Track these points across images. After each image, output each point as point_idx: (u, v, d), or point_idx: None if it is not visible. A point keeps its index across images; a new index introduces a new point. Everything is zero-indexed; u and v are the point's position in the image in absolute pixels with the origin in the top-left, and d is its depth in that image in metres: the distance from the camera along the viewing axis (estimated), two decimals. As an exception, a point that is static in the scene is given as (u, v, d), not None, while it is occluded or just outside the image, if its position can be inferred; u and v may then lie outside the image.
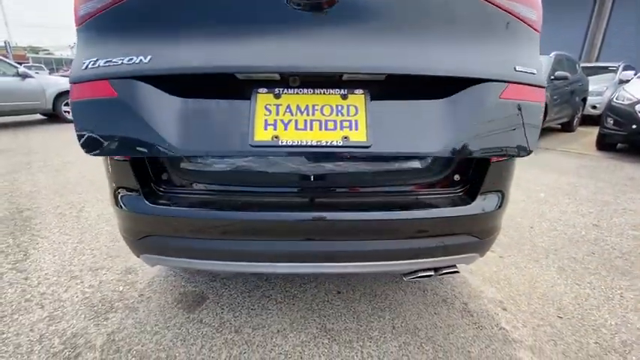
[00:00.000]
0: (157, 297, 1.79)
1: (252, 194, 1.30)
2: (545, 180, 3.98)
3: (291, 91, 1.10)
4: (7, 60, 7.52)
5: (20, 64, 8.81)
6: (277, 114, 1.07)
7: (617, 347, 1.50)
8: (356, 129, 1.06)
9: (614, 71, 8.84)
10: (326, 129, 1.06)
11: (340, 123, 1.07)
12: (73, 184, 3.59)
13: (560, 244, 2.43)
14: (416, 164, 1.42)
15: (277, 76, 1.09)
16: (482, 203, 1.26)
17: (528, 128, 1.10)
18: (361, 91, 1.10)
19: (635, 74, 7.15)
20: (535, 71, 1.09)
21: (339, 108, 1.09)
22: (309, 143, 1.04)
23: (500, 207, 1.31)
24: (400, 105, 1.10)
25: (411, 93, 1.12)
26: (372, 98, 1.10)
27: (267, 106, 1.08)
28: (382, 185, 1.31)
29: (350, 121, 1.07)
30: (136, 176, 1.23)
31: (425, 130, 1.07)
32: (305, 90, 1.11)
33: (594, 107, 8.09)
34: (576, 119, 7.50)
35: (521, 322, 1.65)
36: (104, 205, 3.01)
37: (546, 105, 5.88)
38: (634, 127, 4.87)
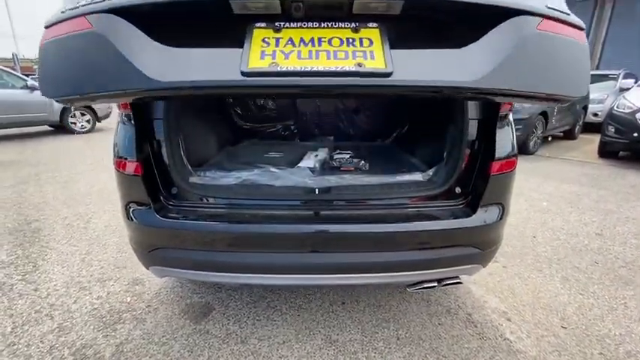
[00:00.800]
0: (164, 308, 1.82)
1: (258, 207, 1.34)
2: (548, 188, 3.99)
3: (293, 24, 0.95)
4: (16, 73, 7.70)
5: (27, 75, 8.99)
6: (277, 45, 0.92)
7: (622, 358, 1.51)
8: (372, 58, 0.90)
9: (615, 79, 8.89)
10: (335, 58, 0.89)
11: (353, 53, 0.91)
12: (81, 196, 3.64)
13: (563, 254, 2.44)
14: (418, 177, 1.46)
15: (277, 5, 0.91)
16: (484, 215, 1.29)
17: (570, 68, 0.97)
18: (375, 24, 0.95)
19: (635, 82, 7.19)
20: (569, 13, 0.98)
21: (351, 40, 0.93)
22: (314, 69, 0.87)
23: (501, 219, 1.34)
24: (425, 38, 0.96)
25: (437, 25, 0.99)
26: (390, 37, 0.94)
27: (266, 39, 0.93)
28: (385, 198, 1.35)
29: (364, 52, 0.91)
30: (147, 190, 1.27)
31: (456, 60, 0.92)
32: (309, 24, 0.95)
33: (595, 115, 8.11)
34: (578, 127, 7.53)
35: (525, 332, 1.66)
36: (111, 216, 3.05)
37: (547, 113, 5.93)
38: (635, 135, 4.89)
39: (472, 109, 1.33)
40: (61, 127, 8.05)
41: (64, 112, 7.80)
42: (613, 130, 5.21)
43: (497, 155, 1.27)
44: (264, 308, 1.81)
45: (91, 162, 5.18)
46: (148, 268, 1.42)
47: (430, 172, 1.46)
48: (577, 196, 3.75)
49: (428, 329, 1.67)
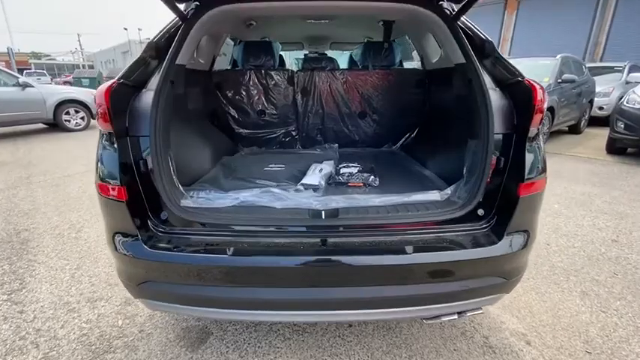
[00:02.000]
0: (158, 333, 1.69)
1: (257, 235, 1.19)
2: (558, 189, 3.86)
3: None
4: (7, 70, 7.47)
5: (22, 70, 8.76)
6: None
7: (655, 390, 1.39)
8: None
9: (621, 71, 8.68)
10: None
11: None
12: (73, 200, 3.50)
13: (580, 264, 2.32)
14: (435, 196, 1.32)
15: None
16: (511, 242, 1.16)
17: None
18: None
19: (643, 75, 6.97)
20: None
21: None
22: None
23: (528, 244, 1.20)
24: None
25: None
26: None
27: None
28: (400, 224, 1.20)
29: None
30: (132, 218, 1.13)
31: None
32: None
33: (601, 108, 7.93)
34: (583, 121, 7.36)
35: (547, 359, 1.53)
36: (103, 224, 2.91)
37: (553, 108, 5.76)
38: (646, 131, 4.73)
39: (499, 121, 1.19)
40: (55, 125, 7.86)
41: (58, 109, 7.61)
42: (622, 126, 5.04)
43: (527, 175, 1.13)
44: (265, 333, 1.68)
45: (85, 162, 5.02)
46: (136, 299, 1.29)
47: (448, 190, 1.32)
48: (589, 197, 3.62)
49: (443, 356, 1.54)
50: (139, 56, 1.26)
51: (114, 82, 1.14)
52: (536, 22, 13.82)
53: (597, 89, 7.67)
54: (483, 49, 1.30)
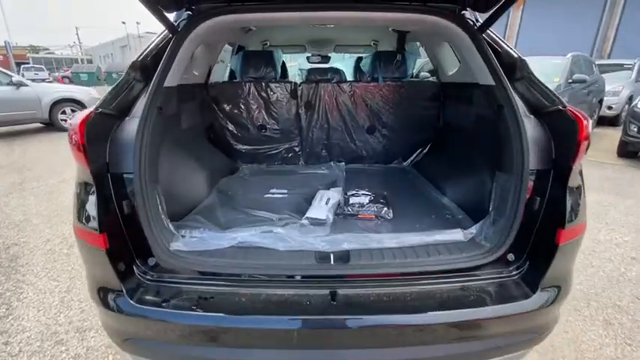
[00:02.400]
0: (152, 371, 1.56)
1: (256, 284, 1.05)
2: (570, 197, 3.71)
3: None
4: (1, 69, 7.30)
5: (20, 64, 8.56)
6: None
7: None
8: None
9: (630, 69, 8.45)
10: None
11: None
12: (66, 211, 3.36)
13: (600, 286, 2.18)
14: (458, 235, 1.17)
15: None
16: (547, 294, 1.02)
17: None
18: None
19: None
20: None
21: None
22: None
23: (566, 293, 1.07)
24: None
25: None
26: None
27: None
28: (422, 273, 1.06)
29: None
30: (115, 268, 0.99)
31: None
32: None
33: (610, 108, 7.73)
34: (592, 121, 7.17)
35: (574, 405, 1.41)
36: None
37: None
38: (660, 135, 4.57)
39: (534, 155, 1.04)
40: (52, 125, 7.70)
41: (54, 109, 7.44)
42: (636, 129, 4.87)
43: (568, 221, 0.98)
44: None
45: (81, 167, 4.87)
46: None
47: (473, 229, 1.18)
48: (603, 207, 3.47)
49: (460, 402, 1.42)
50: (121, 79, 1.11)
51: (91, 113, 0.99)
52: (542, 18, 13.52)
53: (606, 88, 7.47)
54: (514, 69, 1.15)
